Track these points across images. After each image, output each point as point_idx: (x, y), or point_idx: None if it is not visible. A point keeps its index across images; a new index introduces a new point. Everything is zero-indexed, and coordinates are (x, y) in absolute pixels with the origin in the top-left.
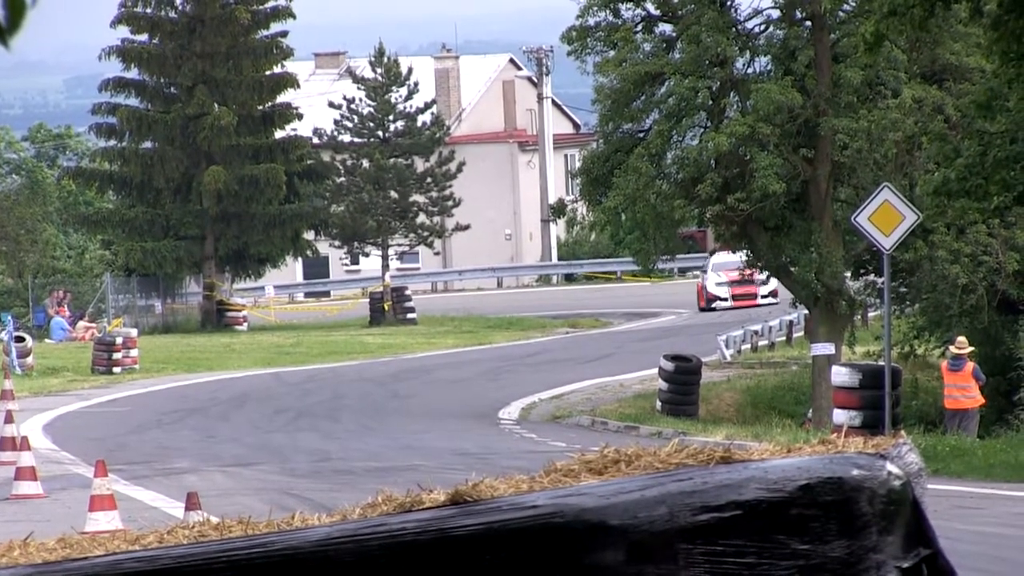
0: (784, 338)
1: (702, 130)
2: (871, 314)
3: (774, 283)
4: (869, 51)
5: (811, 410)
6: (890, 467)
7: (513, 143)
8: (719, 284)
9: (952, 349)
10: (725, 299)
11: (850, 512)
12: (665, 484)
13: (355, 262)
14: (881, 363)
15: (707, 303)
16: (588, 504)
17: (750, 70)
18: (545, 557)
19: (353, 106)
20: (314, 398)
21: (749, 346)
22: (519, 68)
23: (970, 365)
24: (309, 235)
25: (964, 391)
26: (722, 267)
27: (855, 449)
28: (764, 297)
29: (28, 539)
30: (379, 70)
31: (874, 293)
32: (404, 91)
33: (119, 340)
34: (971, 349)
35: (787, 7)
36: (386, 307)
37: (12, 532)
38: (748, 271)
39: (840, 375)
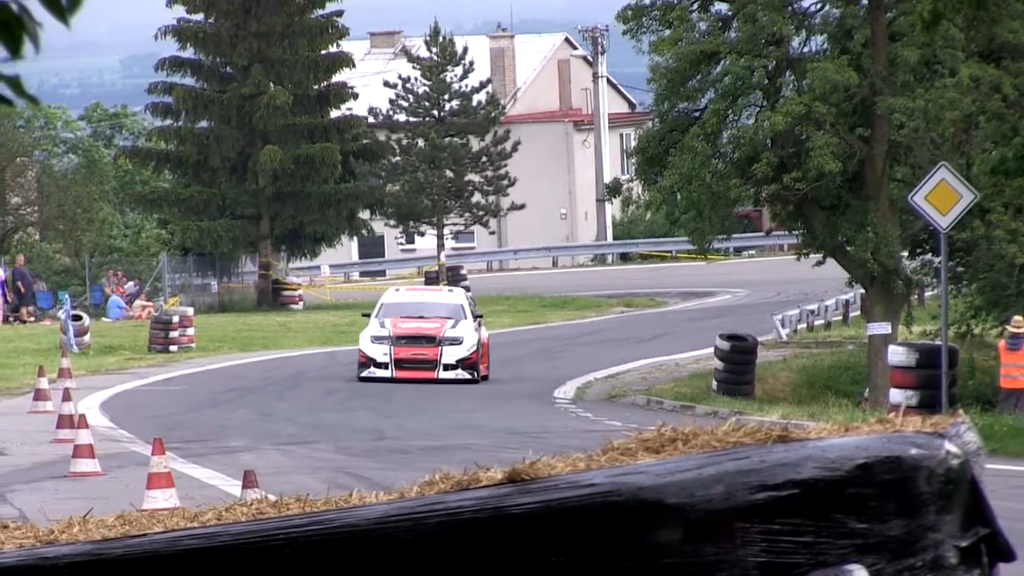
0: (840, 317)
1: (758, 109)
2: (927, 294)
3: None
4: (926, 30)
5: (867, 389)
6: (948, 446)
7: (568, 122)
8: None
9: (1010, 328)
10: None
11: (908, 491)
12: (722, 463)
13: (410, 241)
14: (938, 343)
15: None
16: (645, 483)
17: (806, 49)
18: (602, 535)
19: (408, 85)
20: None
21: (805, 325)
22: (574, 47)
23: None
24: (364, 214)
25: (1022, 370)
26: None
27: (912, 428)
28: None
29: (87, 516)
30: (434, 49)
31: (931, 273)
32: (459, 70)
33: (175, 319)
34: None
35: None
36: (442, 286)
37: (71, 509)
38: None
39: (896, 355)
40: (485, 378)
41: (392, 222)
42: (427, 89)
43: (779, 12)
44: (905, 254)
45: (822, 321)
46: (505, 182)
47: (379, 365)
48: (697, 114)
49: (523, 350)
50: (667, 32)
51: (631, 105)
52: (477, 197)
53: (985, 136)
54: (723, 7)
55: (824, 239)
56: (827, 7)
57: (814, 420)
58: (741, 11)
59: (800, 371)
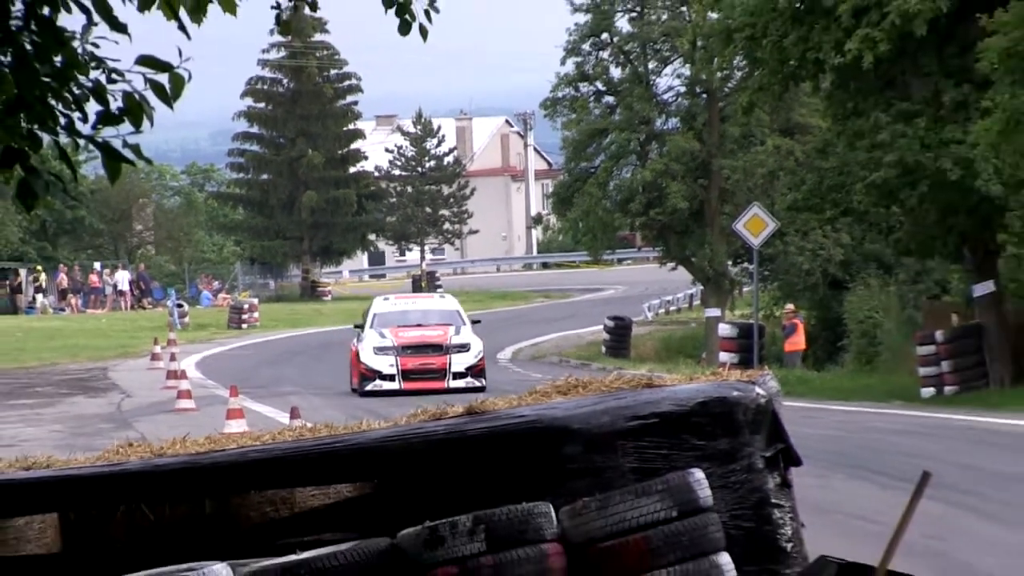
0: (687, 305)
1: (633, 167)
2: (745, 289)
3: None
4: (744, 114)
5: (704, 353)
6: (758, 390)
7: (507, 176)
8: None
9: (785, 312)
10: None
11: (731, 420)
12: (608, 401)
13: (402, 255)
14: (751, 322)
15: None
16: (558, 414)
17: (665, 127)
18: (529, 450)
19: (401, 151)
20: None
21: (664, 310)
22: (511, 125)
23: (796, 323)
24: (372, 236)
25: (793, 343)
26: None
27: (734, 378)
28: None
29: (185, 437)
30: (418, 127)
31: (747, 275)
32: (435, 141)
33: (246, 306)
34: (797, 312)
35: (690, 85)
36: (423, 285)
37: (175, 433)
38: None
39: (724, 330)
40: None
41: (390, 242)
42: (413, 153)
43: (647, 102)
44: (730, 263)
45: (675, 307)
46: (465, 215)
47: (385, 377)
48: (593, 170)
49: (477, 327)
50: (573, 115)
51: (549, 164)
52: (447, 225)
53: (783, 185)
54: (611, 99)
55: (676, 253)
56: (680, 99)
57: (670, 373)
58: (622, 101)
59: (660, 340)
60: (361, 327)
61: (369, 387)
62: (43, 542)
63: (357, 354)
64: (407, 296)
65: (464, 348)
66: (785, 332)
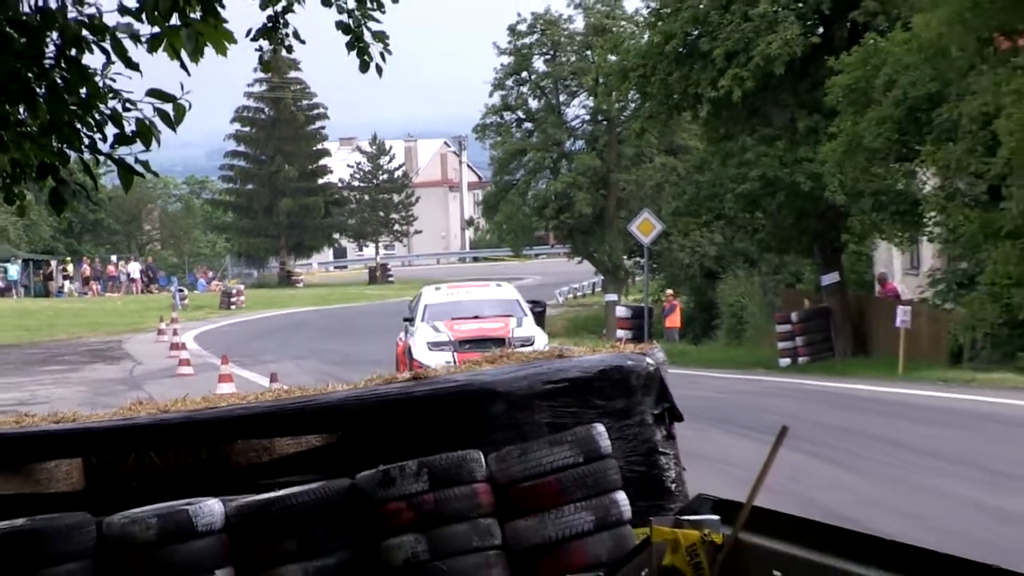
0: (591, 291)
1: (547, 180)
2: (637, 278)
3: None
4: (637, 137)
5: (605, 330)
6: (648, 359)
7: (446, 187)
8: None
9: (664, 297)
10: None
11: (626, 384)
12: (527, 369)
13: (361, 250)
14: (643, 305)
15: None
16: (486, 379)
17: (573, 147)
18: (463, 408)
19: (359, 166)
20: (337, 324)
21: (572, 296)
22: (449, 146)
23: (675, 305)
24: (336, 235)
25: (672, 320)
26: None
27: (629, 351)
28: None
29: (185, 397)
30: (373, 147)
31: (639, 267)
32: (387, 159)
33: (234, 291)
34: (676, 296)
35: (594, 114)
36: (377, 275)
37: (177, 394)
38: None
39: (620, 311)
40: None
41: (351, 239)
42: (369, 168)
43: (559, 128)
44: (625, 257)
45: (581, 293)
46: (412, 218)
47: None
48: (515, 182)
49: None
50: (499, 138)
51: (480, 177)
52: (396, 226)
53: (668, 194)
54: (529, 125)
55: (582, 249)
56: (585, 125)
57: (577, 346)
58: (538, 127)
59: (569, 320)
60: (410, 320)
61: None
62: (69, 482)
63: (407, 350)
64: (461, 285)
65: (528, 342)
66: (665, 312)
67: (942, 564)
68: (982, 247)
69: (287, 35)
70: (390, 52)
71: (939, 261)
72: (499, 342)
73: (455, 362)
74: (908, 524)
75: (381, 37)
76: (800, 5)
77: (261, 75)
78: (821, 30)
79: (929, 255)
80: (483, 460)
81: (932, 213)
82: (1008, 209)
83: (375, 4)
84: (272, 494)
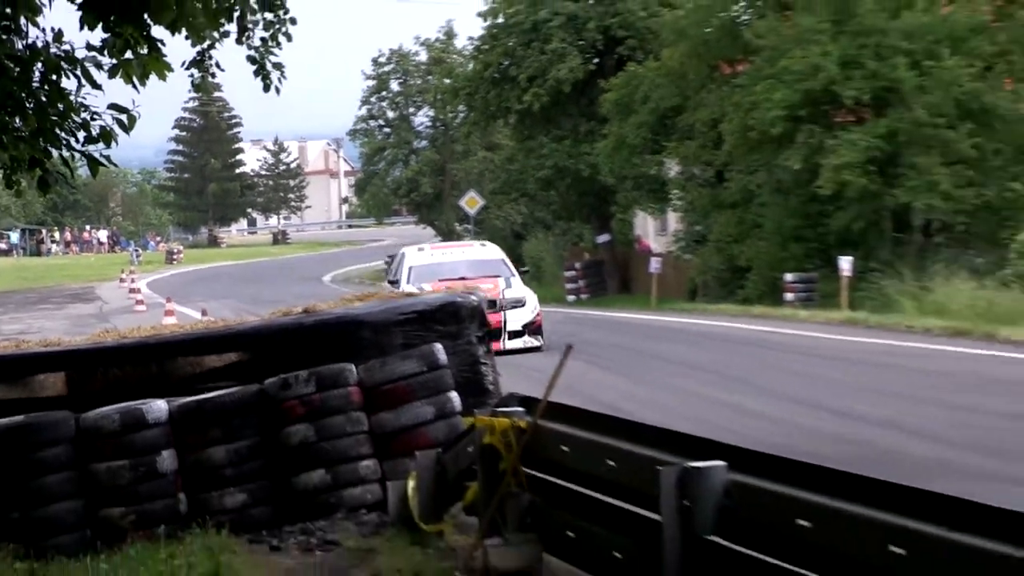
0: None
1: (401, 169)
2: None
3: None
4: (465, 138)
5: None
6: (473, 297)
7: (328, 175)
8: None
9: None
10: None
11: (457, 315)
12: (387, 304)
13: (267, 220)
14: None
15: None
16: (358, 312)
17: (420, 146)
18: (341, 333)
19: (265, 160)
20: (250, 274)
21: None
22: (330, 145)
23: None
24: (249, 210)
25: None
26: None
27: (459, 291)
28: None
29: (139, 327)
30: (275, 146)
31: (468, 232)
32: (285, 154)
33: (175, 250)
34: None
35: (435, 121)
36: (279, 238)
37: (135, 324)
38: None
39: None
40: None
41: (260, 212)
42: (273, 162)
43: (409, 132)
44: (458, 224)
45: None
46: (304, 197)
47: None
48: (378, 171)
49: (310, 264)
50: (366, 139)
51: (352, 168)
52: (292, 203)
53: (488, 179)
54: (388, 130)
55: (427, 219)
56: (428, 129)
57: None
58: (395, 131)
59: None
60: (395, 283)
61: None
62: (55, 390)
63: None
64: (444, 245)
65: (519, 303)
66: None
67: (674, 438)
68: (711, 215)
69: (212, 65)
70: (285, 77)
71: (681, 225)
72: (489, 304)
73: None
74: (665, 415)
75: (279, 67)
76: (581, 42)
77: (194, 94)
78: (596, 60)
79: (673, 221)
80: (355, 370)
81: (676, 191)
82: (729, 187)
83: (275, 43)
84: (203, 396)
